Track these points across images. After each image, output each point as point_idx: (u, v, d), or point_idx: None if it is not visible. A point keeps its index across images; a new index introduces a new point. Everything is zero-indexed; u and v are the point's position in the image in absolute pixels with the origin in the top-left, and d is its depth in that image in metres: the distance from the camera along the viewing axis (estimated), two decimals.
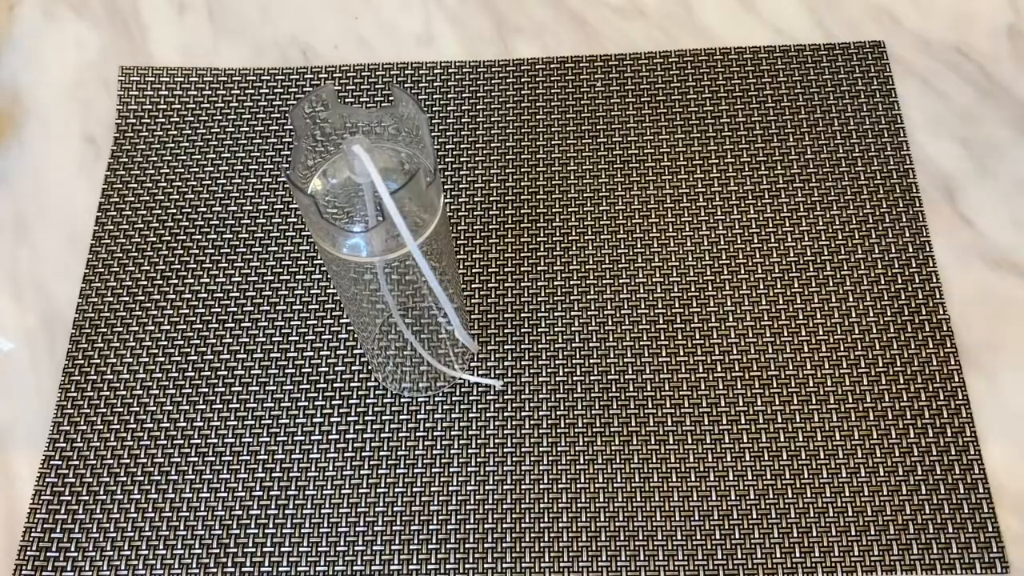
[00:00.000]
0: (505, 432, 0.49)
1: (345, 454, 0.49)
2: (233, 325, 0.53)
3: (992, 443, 0.48)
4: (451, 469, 0.49)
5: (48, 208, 0.57)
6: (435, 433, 0.49)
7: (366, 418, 0.50)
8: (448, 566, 0.46)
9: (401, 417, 0.50)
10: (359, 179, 0.37)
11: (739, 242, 0.54)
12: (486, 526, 0.47)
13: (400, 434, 0.50)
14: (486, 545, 0.47)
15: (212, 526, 0.48)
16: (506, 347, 0.51)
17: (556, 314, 0.52)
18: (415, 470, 0.49)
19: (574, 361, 0.51)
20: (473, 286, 0.53)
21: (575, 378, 0.50)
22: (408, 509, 0.48)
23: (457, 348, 0.50)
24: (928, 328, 0.51)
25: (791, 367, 0.50)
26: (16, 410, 0.51)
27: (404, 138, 0.40)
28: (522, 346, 0.51)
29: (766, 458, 0.48)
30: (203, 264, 0.54)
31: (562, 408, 0.50)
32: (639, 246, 0.54)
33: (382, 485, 0.48)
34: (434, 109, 0.59)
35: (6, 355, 0.53)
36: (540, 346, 0.51)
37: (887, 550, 0.46)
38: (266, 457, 0.49)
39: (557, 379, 0.50)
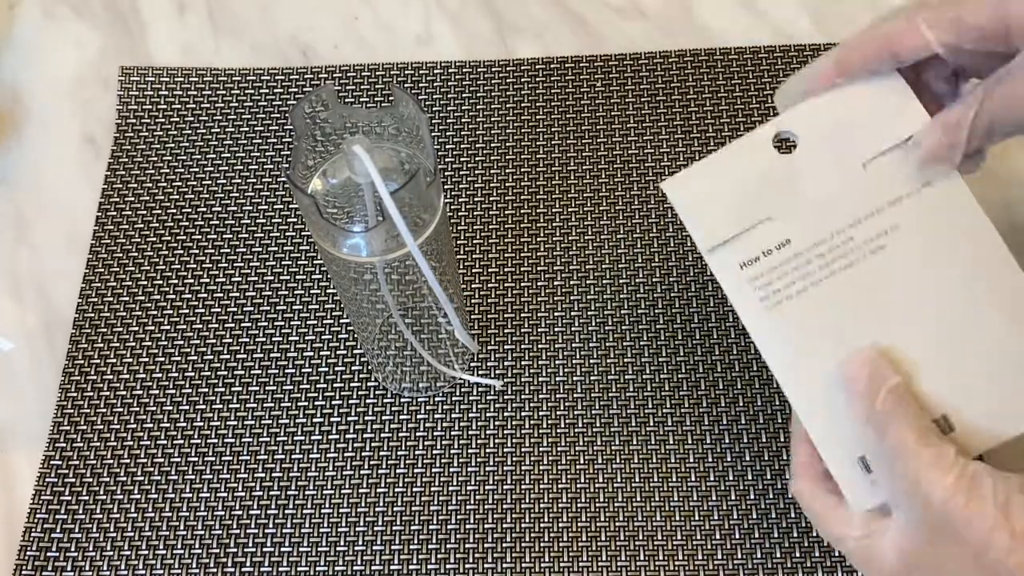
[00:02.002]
0: (505, 432, 0.49)
1: (345, 454, 0.49)
2: (233, 325, 0.53)
3: None
4: (451, 469, 0.49)
5: (48, 208, 0.57)
6: (435, 433, 0.49)
7: (366, 418, 0.50)
8: (448, 566, 0.46)
9: (401, 417, 0.50)
10: (359, 179, 0.37)
11: None
12: (486, 526, 0.47)
13: (400, 434, 0.50)
14: (486, 545, 0.47)
15: (212, 526, 0.48)
16: (506, 347, 0.51)
17: (556, 314, 0.52)
18: (415, 470, 0.49)
19: (574, 361, 0.51)
20: (473, 286, 0.53)
21: (575, 378, 0.50)
22: (408, 509, 0.48)
23: (457, 348, 0.50)
24: None
25: None
26: (16, 410, 0.51)
27: (404, 138, 0.40)
28: (522, 346, 0.51)
29: (766, 458, 0.48)
30: (203, 264, 0.54)
31: (562, 408, 0.50)
32: (639, 246, 0.54)
33: (382, 485, 0.48)
34: (434, 109, 0.59)
35: (6, 355, 0.53)
36: (540, 346, 0.51)
37: None
38: (266, 457, 0.49)
39: (557, 379, 0.50)
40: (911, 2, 0.37)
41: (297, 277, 0.54)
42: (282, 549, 0.47)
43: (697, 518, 0.47)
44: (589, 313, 0.52)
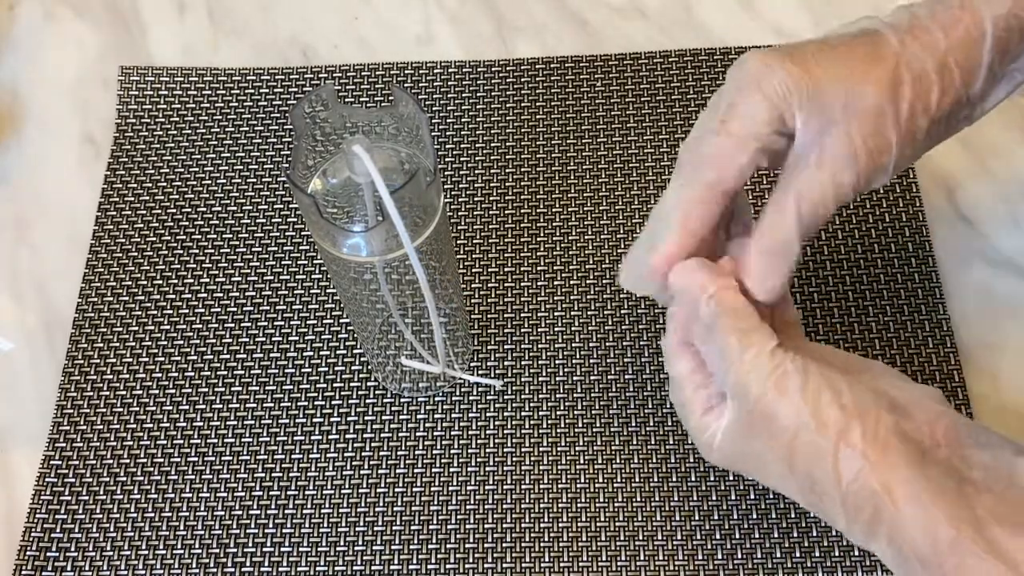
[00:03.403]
0: (505, 432, 0.49)
1: (345, 454, 0.49)
2: (233, 325, 0.53)
3: None
4: (451, 469, 0.49)
5: (48, 208, 0.57)
6: (435, 433, 0.49)
7: (366, 418, 0.50)
8: (448, 566, 0.46)
9: (401, 417, 0.50)
10: (359, 179, 0.37)
11: None
12: (486, 526, 0.47)
13: (400, 434, 0.50)
14: (486, 545, 0.47)
15: (212, 526, 0.48)
16: (506, 347, 0.51)
17: (556, 314, 0.52)
18: (415, 470, 0.49)
19: (574, 361, 0.51)
20: (473, 286, 0.53)
21: (575, 378, 0.50)
22: (408, 509, 0.48)
23: (457, 348, 0.50)
24: (928, 328, 0.51)
25: None
26: (16, 410, 0.51)
27: (404, 138, 0.40)
28: (522, 346, 0.51)
29: None
30: (203, 264, 0.54)
31: (562, 408, 0.50)
32: None
33: (382, 485, 0.48)
34: (434, 109, 0.59)
35: (6, 355, 0.53)
36: (540, 346, 0.51)
37: None
38: (266, 457, 0.49)
39: (557, 379, 0.50)
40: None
41: (297, 277, 0.54)
42: (282, 549, 0.47)
43: (697, 518, 0.47)
44: (589, 313, 0.52)
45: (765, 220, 0.39)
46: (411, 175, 0.37)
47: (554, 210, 0.55)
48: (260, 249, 0.55)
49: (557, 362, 0.51)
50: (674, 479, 0.48)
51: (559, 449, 0.49)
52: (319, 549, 0.47)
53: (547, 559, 0.46)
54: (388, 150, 0.40)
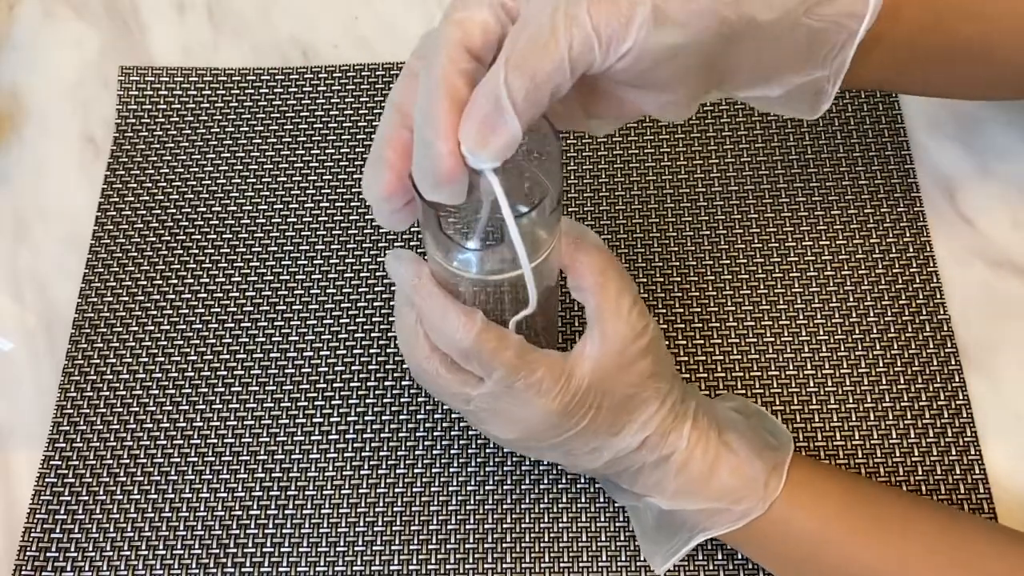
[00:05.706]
0: None
1: (345, 454, 0.49)
2: (233, 325, 0.53)
3: (992, 443, 0.48)
4: (451, 469, 0.49)
5: (48, 208, 0.57)
6: (435, 433, 0.49)
7: (366, 418, 0.50)
8: (448, 566, 0.46)
9: (401, 417, 0.50)
10: (483, 196, 0.35)
11: (739, 242, 0.54)
12: (486, 526, 0.47)
13: (400, 434, 0.50)
14: (486, 545, 0.47)
15: (212, 526, 0.48)
16: None
17: (556, 314, 0.52)
18: (415, 470, 0.49)
19: None
20: None
21: None
22: (408, 509, 0.48)
23: None
24: (928, 328, 0.51)
25: (791, 367, 0.50)
26: (16, 410, 0.51)
27: (533, 160, 0.38)
28: None
29: None
30: (203, 264, 0.54)
31: None
32: (639, 246, 0.54)
33: (382, 485, 0.48)
34: None
35: (6, 355, 0.53)
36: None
37: None
38: (266, 457, 0.49)
39: None
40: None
41: (297, 277, 0.54)
42: (282, 549, 0.47)
43: None
44: None
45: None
46: (538, 202, 0.34)
47: None
48: (260, 249, 0.55)
49: None
50: None
51: None
52: (319, 549, 0.47)
53: (547, 559, 0.46)
54: (513, 168, 0.38)
